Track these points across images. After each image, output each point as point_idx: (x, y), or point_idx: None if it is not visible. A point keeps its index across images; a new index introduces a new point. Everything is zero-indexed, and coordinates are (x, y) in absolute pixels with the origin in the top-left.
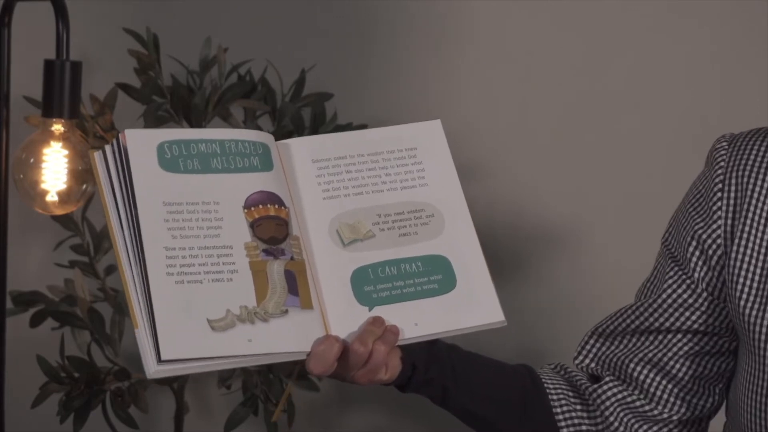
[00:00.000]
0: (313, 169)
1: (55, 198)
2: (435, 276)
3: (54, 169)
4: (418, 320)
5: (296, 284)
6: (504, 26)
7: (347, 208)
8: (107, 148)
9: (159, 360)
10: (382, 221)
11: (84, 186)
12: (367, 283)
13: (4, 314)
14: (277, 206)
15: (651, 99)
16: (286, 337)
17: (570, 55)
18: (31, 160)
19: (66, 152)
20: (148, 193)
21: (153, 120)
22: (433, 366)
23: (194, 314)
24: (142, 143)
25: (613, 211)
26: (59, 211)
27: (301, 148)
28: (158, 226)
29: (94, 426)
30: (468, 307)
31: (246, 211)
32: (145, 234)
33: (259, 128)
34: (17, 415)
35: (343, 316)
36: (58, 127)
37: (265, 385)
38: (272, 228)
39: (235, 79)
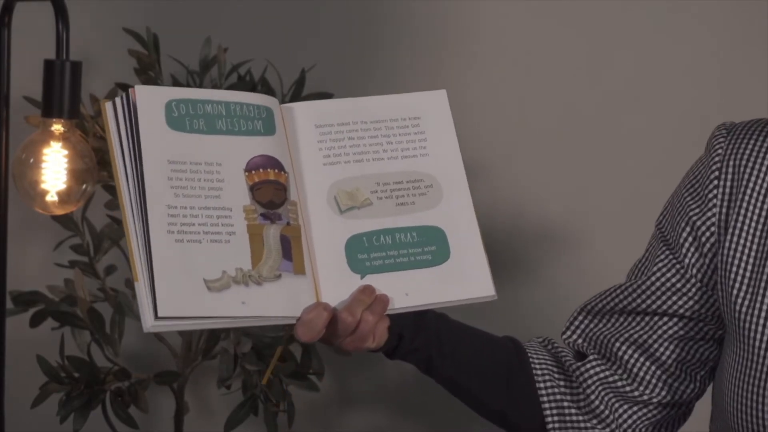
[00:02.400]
0: (315, 134)
1: (55, 198)
2: (429, 247)
3: (54, 169)
4: (410, 290)
5: (291, 249)
6: (504, 26)
7: (347, 175)
8: (117, 100)
9: (156, 316)
10: (380, 189)
11: (84, 186)
12: (361, 251)
13: (4, 314)
14: (277, 171)
15: (651, 99)
16: (277, 302)
17: (570, 55)
18: (31, 160)
19: (66, 152)
20: (154, 150)
21: None
22: (420, 335)
23: (192, 273)
24: (151, 100)
25: (614, 211)
26: (59, 211)
27: (305, 112)
28: (162, 184)
29: (94, 426)
30: (460, 279)
31: (247, 174)
32: (149, 190)
33: None
34: (17, 415)
35: (334, 282)
36: (58, 127)
37: (265, 385)
38: (271, 192)
39: (235, 79)
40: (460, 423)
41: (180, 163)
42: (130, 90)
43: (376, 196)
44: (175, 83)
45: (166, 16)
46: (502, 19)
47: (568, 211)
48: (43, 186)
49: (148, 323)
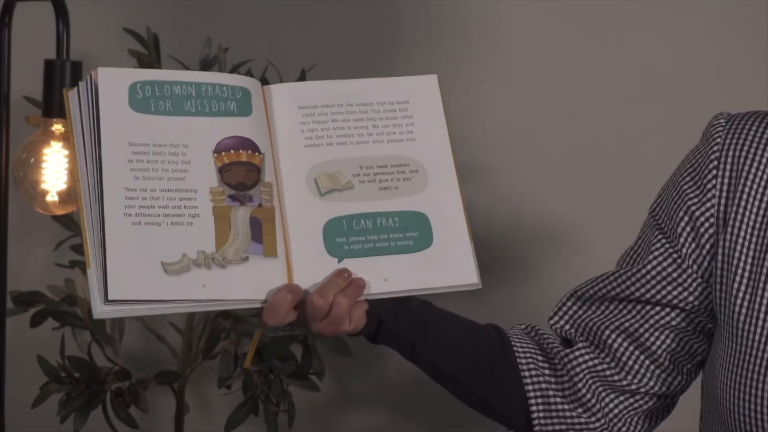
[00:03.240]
0: (298, 116)
1: (56, 198)
2: (411, 233)
3: (54, 169)
4: (388, 275)
5: (261, 231)
6: (504, 26)
7: (329, 158)
8: (81, 84)
9: (106, 300)
10: (363, 173)
11: None
12: (340, 235)
13: (4, 314)
14: (250, 152)
15: (651, 99)
16: (242, 285)
17: (570, 54)
18: (31, 160)
19: (66, 152)
20: (114, 133)
21: None
22: (403, 320)
23: (148, 256)
24: (114, 82)
25: (613, 211)
26: (59, 211)
27: (289, 93)
28: (121, 167)
29: (94, 426)
30: (442, 266)
31: (216, 155)
32: (106, 173)
33: None
34: (17, 415)
35: (309, 265)
36: (58, 127)
37: (265, 385)
38: (242, 174)
39: None
40: (460, 423)
41: (142, 146)
42: (93, 72)
43: (359, 180)
44: None
45: (166, 16)
46: (502, 19)
47: (567, 211)
48: (44, 186)
49: (98, 309)
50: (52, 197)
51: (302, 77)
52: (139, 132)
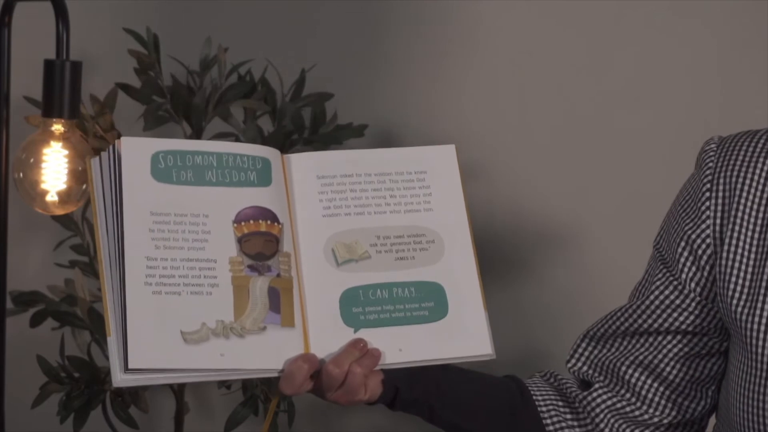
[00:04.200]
0: (316, 185)
1: (55, 198)
2: (427, 303)
3: (54, 169)
4: (403, 346)
5: (279, 301)
6: (504, 26)
7: (346, 227)
8: (104, 154)
9: (126, 368)
10: (380, 243)
11: (84, 186)
12: (356, 305)
13: (4, 314)
14: (269, 222)
15: (651, 99)
16: (260, 354)
17: (570, 55)
18: (31, 160)
19: (66, 152)
20: (136, 202)
21: (153, 120)
22: (417, 386)
23: (168, 325)
24: (137, 152)
25: (613, 211)
26: (59, 211)
27: (308, 163)
28: (142, 236)
29: (94, 426)
30: (456, 337)
31: (236, 225)
32: (128, 242)
33: (259, 128)
34: (17, 415)
35: (326, 336)
36: (58, 127)
37: (265, 385)
38: (260, 244)
39: (235, 79)
40: None
41: (164, 215)
42: (116, 141)
43: (375, 250)
44: (176, 83)
45: (166, 16)
46: (502, 19)
47: (567, 211)
48: (44, 186)
49: (117, 377)
50: (51, 197)
51: (302, 77)
52: (161, 201)
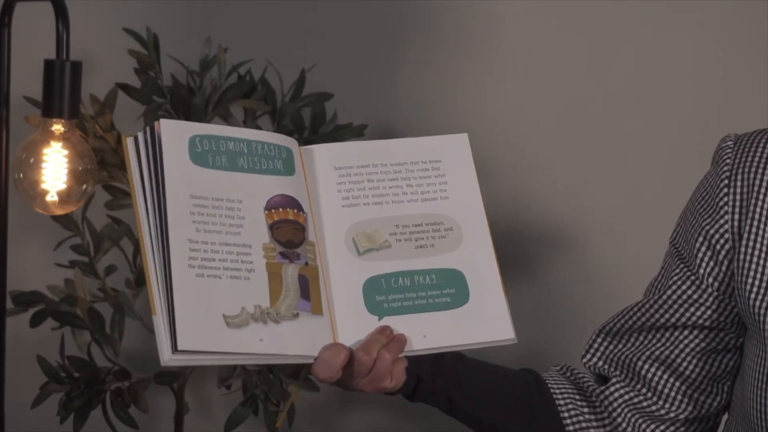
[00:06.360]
0: (334, 176)
1: (55, 198)
2: (448, 289)
3: (54, 169)
4: (427, 332)
5: (308, 289)
6: (504, 26)
7: (365, 217)
8: (140, 135)
9: (175, 349)
10: (399, 232)
11: (84, 186)
12: (379, 293)
13: (4, 314)
14: (296, 211)
15: (652, 99)
16: (294, 340)
17: (571, 55)
18: (31, 160)
19: (66, 152)
20: (178, 184)
21: (153, 120)
22: (439, 377)
23: (211, 309)
24: (176, 134)
25: (614, 211)
26: (59, 211)
27: (325, 154)
28: (184, 218)
29: (94, 426)
30: (479, 322)
31: (267, 212)
32: (171, 224)
33: (259, 128)
34: (17, 415)
35: (351, 324)
36: (58, 127)
37: (265, 385)
38: (290, 232)
39: (235, 79)
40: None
41: (202, 198)
42: (155, 123)
43: (395, 238)
44: (176, 83)
45: (166, 16)
46: (502, 19)
47: (568, 211)
48: (44, 186)
49: (166, 356)
50: (51, 197)
51: (302, 77)
52: (200, 185)
